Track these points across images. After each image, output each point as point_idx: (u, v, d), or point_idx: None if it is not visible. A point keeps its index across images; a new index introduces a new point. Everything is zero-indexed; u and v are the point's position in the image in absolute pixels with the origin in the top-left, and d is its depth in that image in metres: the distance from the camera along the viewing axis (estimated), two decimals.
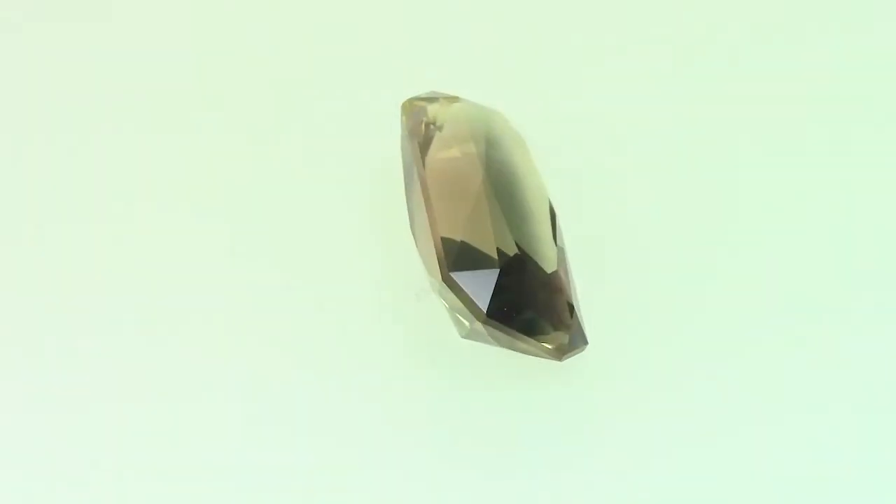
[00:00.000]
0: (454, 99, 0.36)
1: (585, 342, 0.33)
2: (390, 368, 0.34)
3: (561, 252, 0.34)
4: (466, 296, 0.33)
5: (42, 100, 0.40)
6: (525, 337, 0.33)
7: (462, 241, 0.33)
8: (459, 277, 0.33)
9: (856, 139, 0.39)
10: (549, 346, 0.33)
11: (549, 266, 0.33)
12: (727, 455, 0.33)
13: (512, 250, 0.33)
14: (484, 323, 0.33)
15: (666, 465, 0.33)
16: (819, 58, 0.40)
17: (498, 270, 0.33)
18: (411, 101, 0.36)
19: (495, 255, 0.33)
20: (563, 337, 0.33)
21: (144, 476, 0.33)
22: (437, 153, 0.35)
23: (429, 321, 0.35)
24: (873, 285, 0.36)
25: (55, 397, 0.34)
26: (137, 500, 0.33)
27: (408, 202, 0.35)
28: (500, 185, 0.34)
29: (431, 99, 0.36)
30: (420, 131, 0.35)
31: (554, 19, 0.41)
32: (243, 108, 0.40)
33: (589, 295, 0.35)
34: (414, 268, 0.35)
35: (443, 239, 0.33)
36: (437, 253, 0.33)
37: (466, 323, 0.33)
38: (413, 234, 0.35)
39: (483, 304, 0.33)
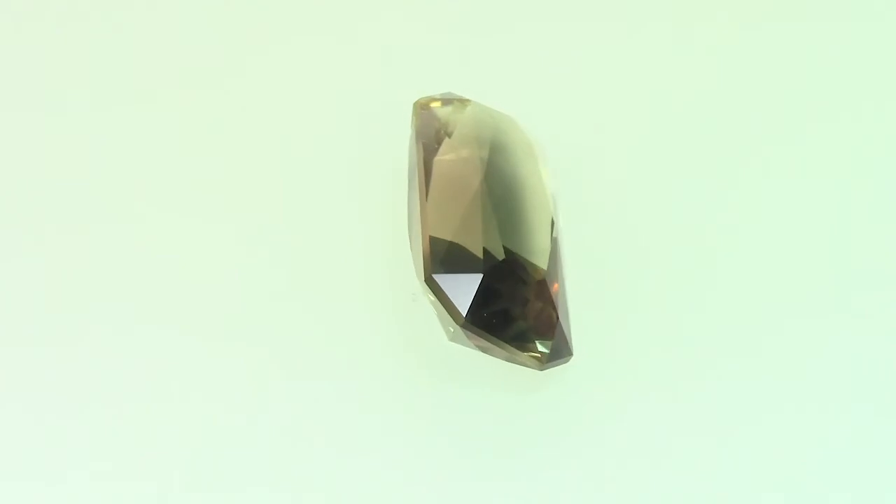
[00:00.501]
0: (466, 102, 0.36)
1: (569, 353, 0.33)
2: (382, 369, 0.34)
3: (554, 262, 0.33)
4: (447, 298, 0.33)
5: (42, 97, 0.40)
6: (505, 344, 0.33)
7: (450, 243, 0.33)
8: (441, 279, 0.33)
9: (853, 140, 0.39)
10: (530, 355, 0.33)
11: (538, 275, 0.33)
12: (718, 461, 0.33)
13: (500, 256, 0.33)
14: (462, 327, 0.33)
15: (661, 469, 0.33)
16: (817, 62, 0.40)
17: (481, 275, 0.32)
18: (422, 101, 0.36)
19: (481, 260, 0.33)
20: (544, 346, 0.33)
21: (137, 476, 0.33)
22: (440, 155, 0.35)
23: (425, 322, 0.35)
24: (869, 289, 0.36)
25: (55, 397, 0.34)
26: (126, 499, 0.33)
27: (408, 202, 0.35)
28: (499, 191, 0.34)
29: (445, 101, 0.36)
30: (427, 132, 0.35)
31: (566, 24, 0.41)
32: (248, 105, 0.40)
33: (587, 303, 0.35)
34: (412, 269, 0.35)
35: (431, 238, 0.33)
36: (423, 253, 0.33)
37: (450, 326, 0.33)
38: (409, 235, 0.35)
39: (463, 307, 0.32)
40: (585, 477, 0.33)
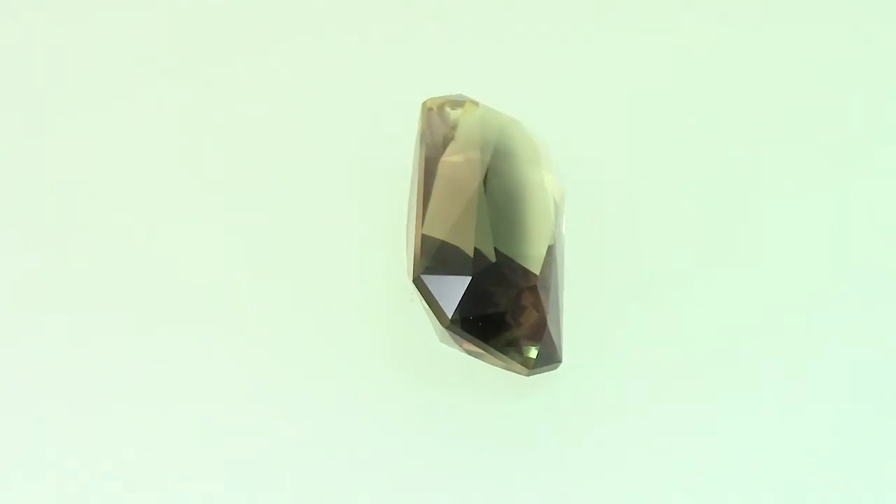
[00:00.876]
0: (474, 105, 0.36)
1: (557, 360, 0.33)
2: (379, 369, 0.34)
3: (549, 269, 0.33)
4: (434, 299, 0.32)
5: (45, 99, 0.40)
6: (490, 348, 0.32)
7: (441, 244, 0.33)
8: (429, 280, 0.32)
9: (853, 141, 0.39)
10: (516, 360, 0.32)
11: (530, 280, 0.32)
12: (718, 461, 0.33)
13: (491, 259, 0.32)
14: (448, 329, 0.32)
15: (660, 469, 0.33)
16: (818, 63, 0.40)
17: (469, 277, 0.32)
18: (430, 102, 0.36)
19: (471, 262, 0.32)
20: (531, 352, 0.32)
21: (136, 476, 0.33)
22: (441, 156, 0.34)
23: (424, 323, 0.35)
24: (869, 289, 0.36)
25: (55, 397, 0.34)
26: (126, 499, 0.33)
27: (409, 202, 0.35)
28: (498, 195, 0.33)
29: (453, 103, 0.36)
30: (433, 133, 0.35)
31: (572, 26, 0.41)
32: (249, 106, 0.40)
33: (587, 303, 0.35)
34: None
35: (423, 237, 0.33)
36: (414, 253, 0.33)
37: (438, 328, 0.33)
38: (405, 235, 0.35)
39: (449, 309, 0.32)
40: (585, 477, 0.33)
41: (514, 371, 0.33)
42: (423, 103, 0.36)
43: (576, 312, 0.35)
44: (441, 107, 0.36)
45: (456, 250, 0.32)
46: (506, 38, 0.41)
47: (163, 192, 0.38)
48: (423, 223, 0.33)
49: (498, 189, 0.34)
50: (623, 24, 0.41)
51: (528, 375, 0.33)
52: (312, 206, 0.37)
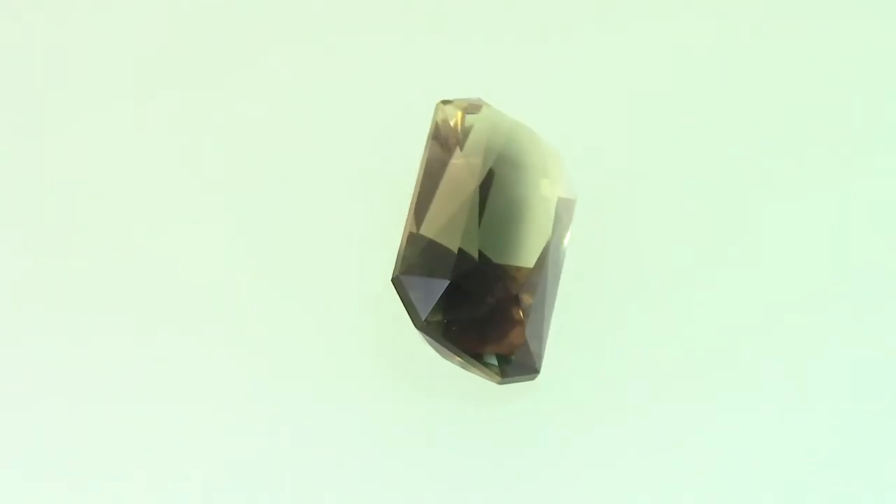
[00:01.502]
0: (487, 109, 0.35)
1: (533, 371, 0.32)
2: (378, 370, 0.34)
3: (537, 277, 0.33)
4: (409, 299, 0.32)
5: (45, 99, 0.40)
6: (462, 353, 0.32)
7: (426, 245, 0.32)
8: (407, 281, 0.32)
9: (853, 144, 0.39)
10: (488, 368, 0.32)
11: (513, 288, 0.32)
12: (717, 462, 0.33)
13: (474, 263, 0.32)
14: (421, 331, 0.32)
15: (659, 469, 0.33)
16: (821, 67, 0.40)
17: (447, 281, 0.32)
18: (442, 104, 0.36)
19: (452, 265, 0.32)
20: (505, 361, 0.32)
21: (131, 476, 0.33)
22: (443, 158, 0.34)
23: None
24: (869, 289, 0.36)
25: (55, 397, 0.34)
26: (125, 499, 0.33)
27: (410, 202, 0.35)
28: (496, 202, 0.33)
29: (470, 107, 0.35)
30: (441, 135, 0.35)
31: (581, 29, 0.41)
32: (252, 107, 0.40)
33: (587, 306, 0.35)
34: None
35: (410, 237, 0.33)
36: (398, 252, 0.33)
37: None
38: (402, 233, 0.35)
39: (423, 311, 0.32)
40: (585, 477, 0.33)
41: (488, 379, 0.33)
42: (437, 104, 0.36)
43: (576, 312, 0.35)
44: (453, 108, 0.35)
45: (440, 252, 0.32)
46: (506, 38, 0.41)
47: (163, 193, 0.38)
48: (413, 223, 0.33)
49: (497, 196, 0.33)
50: (622, 24, 0.41)
51: (500, 383, 0.33)
52: (313, 206, 0.37)
